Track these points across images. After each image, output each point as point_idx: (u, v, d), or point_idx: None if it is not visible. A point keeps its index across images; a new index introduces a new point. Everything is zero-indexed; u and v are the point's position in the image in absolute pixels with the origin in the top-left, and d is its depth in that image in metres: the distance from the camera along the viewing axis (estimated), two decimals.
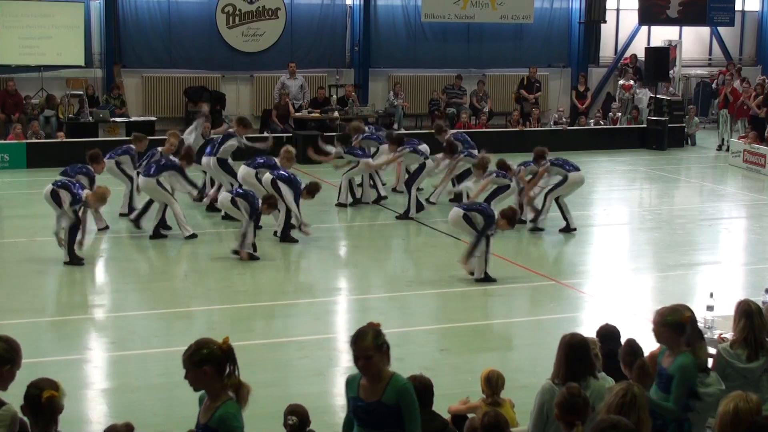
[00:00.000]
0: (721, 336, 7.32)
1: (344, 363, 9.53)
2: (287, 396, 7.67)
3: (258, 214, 13.02)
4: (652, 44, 26.94)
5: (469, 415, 6.41)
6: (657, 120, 23.98)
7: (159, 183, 13.84)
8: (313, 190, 13.82)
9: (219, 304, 11.34)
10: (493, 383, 6.65)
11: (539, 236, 14.47)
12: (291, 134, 21.44)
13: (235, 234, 13.08)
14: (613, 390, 4.99)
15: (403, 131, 21.35)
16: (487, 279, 11.94)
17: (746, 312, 6.21)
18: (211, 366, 4.85)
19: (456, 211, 12.14)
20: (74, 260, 12.43)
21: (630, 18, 27.52)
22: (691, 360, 5.67)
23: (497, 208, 12.58)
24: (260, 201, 12.91)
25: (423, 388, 5.83)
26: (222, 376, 4.89)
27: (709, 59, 28.65)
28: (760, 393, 5.81)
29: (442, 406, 5.93)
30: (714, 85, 27.07)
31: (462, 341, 10.09)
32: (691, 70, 28.11)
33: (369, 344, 5.08)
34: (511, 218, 11.85)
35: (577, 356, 5.64)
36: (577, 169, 14.55)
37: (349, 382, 5.29)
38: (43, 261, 12.88)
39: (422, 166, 15.72)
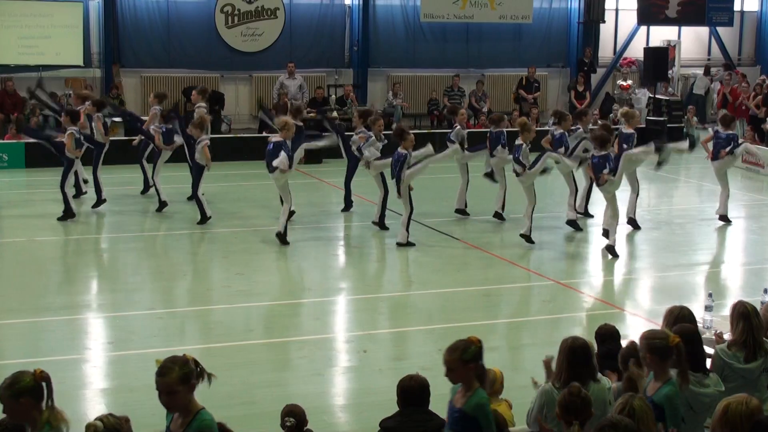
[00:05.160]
0: (717, 334, 7.31)
1: (344, 363, 9.54)
2: (287, 396, 7.68)
3: None
4: (651, 44, 26.95)
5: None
6: (656, 120, 23.97)
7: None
8: None
9: (218, 303, 11.34)
10: (489, 382, 6.64)
11: (539, 237, 14.46)
12: None
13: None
14: (616, 409, 4.98)
15: None
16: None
17: (743, 314, 6.21)
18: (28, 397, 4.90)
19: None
20: None
21: (629, 18, 27.52)
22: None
23: None
24: None
25: (419, 387, 5.83)
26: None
27: (708, 59, 28.66)
28: (758, 393, 5.82)
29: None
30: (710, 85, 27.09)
31: None
32: (690, 70, 28.14)
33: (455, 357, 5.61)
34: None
35: (579, 361, 5.63)
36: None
37: (453, 389, 5.72)
38: (43, 261, 12.90)
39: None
